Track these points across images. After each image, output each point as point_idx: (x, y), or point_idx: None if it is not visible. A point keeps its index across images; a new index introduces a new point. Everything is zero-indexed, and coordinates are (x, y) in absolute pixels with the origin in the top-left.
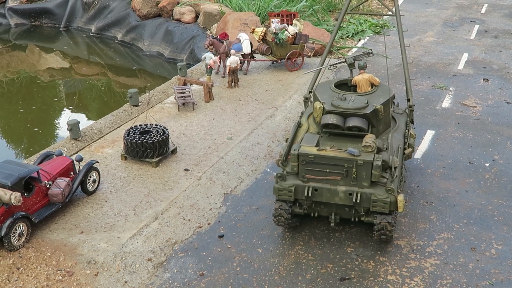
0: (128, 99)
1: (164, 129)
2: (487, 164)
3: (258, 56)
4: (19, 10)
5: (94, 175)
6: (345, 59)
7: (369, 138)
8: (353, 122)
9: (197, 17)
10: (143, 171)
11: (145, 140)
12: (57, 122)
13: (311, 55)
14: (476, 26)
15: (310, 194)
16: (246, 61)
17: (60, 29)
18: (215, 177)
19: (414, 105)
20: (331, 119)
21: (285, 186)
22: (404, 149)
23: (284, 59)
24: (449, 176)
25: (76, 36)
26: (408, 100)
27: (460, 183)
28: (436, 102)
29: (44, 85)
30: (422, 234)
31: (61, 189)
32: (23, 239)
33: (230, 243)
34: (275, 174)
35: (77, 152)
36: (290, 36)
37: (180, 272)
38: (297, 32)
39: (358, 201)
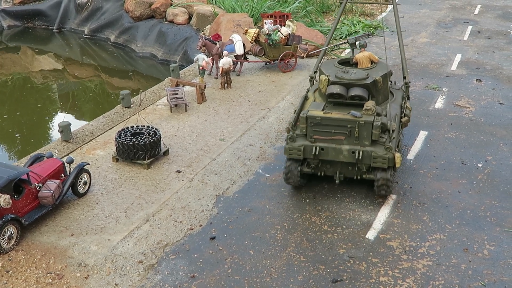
0: (120, 100)
1: (156, 131)
2: (480, 165)
3: (251, 57)
4: (12, 12)
5: (85, 177)
6: (347, 40)
7: (370, 103)
8: (355, 91)
9: (190, 18)
10: (134, 173)
11: (136, 142)
12: (49, 124)
13: (304, 56)
14: (469, 27)
15: (317, 153)
16: (239, 62)
17: (53, 31)
18: (207, 178)
19: (409, 82)
20: (336, 89)
21: (295, 146)
22: (401, 117)
23: (277, 60)
24: (441, 177)
25: (69, 38)
26: (404, 78)
27: (452, 184)
28: (429, 103)
29: (37, 87)
30: (414, 235)
31: (52, 191)
32: (12, 241)
33: (222, 245)
34: (287, 137)
35: (68, 154)
36: (283, 37)
37: (171, 274)
38: (290, 33)
39: (360, 158)
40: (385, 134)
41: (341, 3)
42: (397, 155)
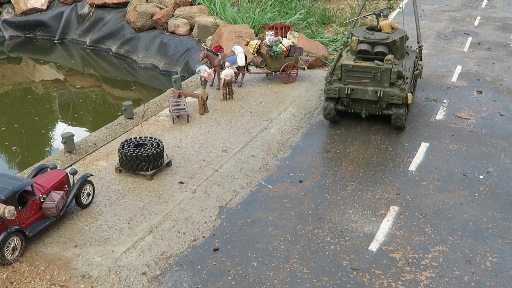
0: (123, 111)
1: (159, 142)
2: (482, 177)
3: (252, 69)
4: (14, 23)
5: (88, 188)
6: (373, 11)
7: (389, 56)
8: (378, 48)
9: (191, 29)
10: (137, 184)
11: (139, 153)
12: (51, 134)
13: (306, 68)
14: (469, 39)
15: (348, 92)
16: (240, 74)
17: (55, 41)
18: (210, 190)
19: (422, 46)
20: (364, 46)
21: (332, 87)
22: (414, 71)
23: (279, 71)
24: (443, 189)
25: (70, 49)
26: (418, 42)
27: (454, 196)
28: (430, 114)
29: (38, 97)
30: (417, 247)
31: (55, 203)
32: (16, 253)
33: (225, 257)
34: (326, 81)
35: (71, 165)
36: (285, 49)
37: (175, 286)
38: (292, 44)
39: (381, 96)
40: (400, 80)
41: None
42: (409, 95)
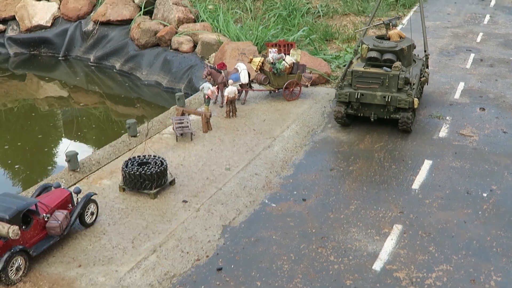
0: (127, 129)
1: (162, 160)
2: (485, 194)
3: (255, 86)
4: (19, 40)
5: (92, 207)
6: (383, 21)
7: (397, 63)
8: (387, 56)
9: (195, 46)
10: (141, 202)
11: (143, 172)
12: (55, 151)
13: (309, 85)
14: (472, 55)
15: (358, 97)
16: (244, 91)
17: (59, 58)
18: (214, 208)
19: (429, 54)
20: (373, 53)
21: (343, 92)
22: (420, 77)
23: (282, 88)
24: (447, 207)
25: (74, 66)
26: (425, 51)
27: (458, 214)
28: (433, 132)
29: (42, 114)
30: (421, 266)
31: (59, 222)
32: (20, 273)
33: (229, 276)
34: (337, 86)
35: (75, 184)
36: (288, 66)
37: None
38: (295, 62)
39: (389, 100)
40: (407, 85)
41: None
42: (415, 100)
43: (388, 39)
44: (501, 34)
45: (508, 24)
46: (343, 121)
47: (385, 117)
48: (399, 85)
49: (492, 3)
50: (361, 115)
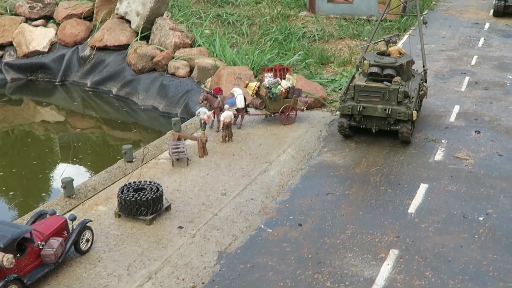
0: (123, 154)
1: (158, 186)
2: (481, 218)
3: (251, 110)
4: (16, 65)
5: (87, 234)
6: (384, 38)
7: (397, 78)
8: (387, 71)
9: (191, 71)
10: (136, 229)
11: (139, 198)
12: (51, 177)
13: (304, 109)
14: (467, 78)
15: (360, 110)
16: (240, 116)
17: (56, 83)
18: (209, 234)
19: (427, 69)
20: (374, 69)
21: (346, 105)
22: (419, 91)
23: (278, 113)
24: (443, 231)
25: (71, 91)
26: (423, 66)
27: (454, 238)
28: (429, 155)
29: (39, 140)
30: None
31: (54, 250)
32: None
33: None
34: (340, 99)
35: (71, 210)
36: (283, 90)
37: None
38: (290, 86)
39: (389, 113)
40: (406, 99)
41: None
42: (414, 112)
43: (388, 55)
44: (495, 57)
45: (502, 47)
46: (346, 132)
47: (385, 128)
48: (399, 98)
49: (486, 26)
50: (363, 127)
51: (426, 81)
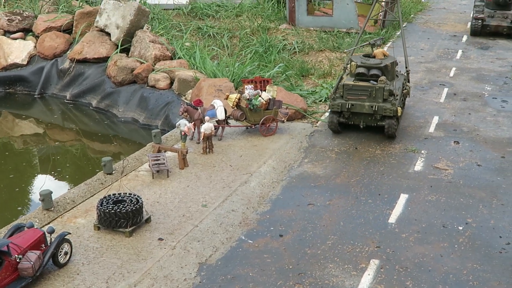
0: (102, 167)
1: (138, 198)
2: (461, 228)
3: (232, 122)
4: None
5: (66, 247)
6: (369, 42)
7: (382, 78)
8: (373, 71)
9: (172, 83)
10: (116, 241)
11: (118, 210)
12: (30, 190)
13: (285, 120)
14: (445, 89)
15: (349, 107)
16: (220, 127)
17: (35, 96)
18: (190, 246)
19: (410, 70)
20: (361, 69)
21: (335, 103)
22: (403, 90)
23: (258, 124)
24: (423, 241)
25: (51, 103)
26: (406, 67)
27: (434, 248)
28: (409, 166)
29: (17, 152)
30: None
31: (32, 263)
32: None
33: None
34: (330, 98)
35: (49, 223)
36: (264, 102)
37: None
38: (271, 98)
39: (376, 110)
40: (391, 96)
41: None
42: (399, 108)
43: (374, 57)
44: (473, 69)
45: (480, 59)
46: (336, 128)
47: (372, 124)
48: (384, 96)
49: (464, 38)
50: (352, 123)
51: (409, 81)
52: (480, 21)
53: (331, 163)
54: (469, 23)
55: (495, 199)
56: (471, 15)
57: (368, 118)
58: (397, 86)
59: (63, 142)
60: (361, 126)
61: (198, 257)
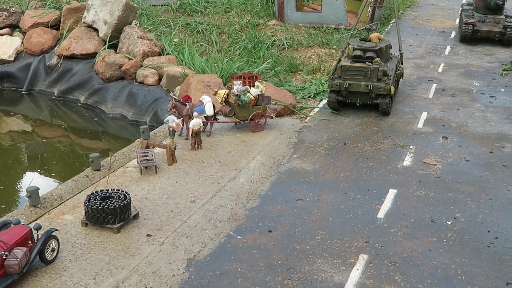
0: (90, 163)
1: (126, 194)
2: (449, 222)
3: (221, 118)
4: None
5: (53, 244)
6: (365, 26)
7: (377, 59)
8: (369, 54)
9: (160, 79)
10: (104, 237)
11: (106, 206)
12: (17, 187)
13: (274, 116)
14: (434, 85)
15: (346, 86)
16: (209, 123)
17: (22, 92)
18: (178, 242)
19: (403, 53)
20: (358, 52)
21: (334, 82)
22: (396, 71)
23: (247, 120)
24: (412, 235)
25: (38, 100)
26: (400, 50)
27: (423, 242)
28: (397, 161)
29: (4, 149)
30: None
31: (18, 260)
32: None
33: None
34: (329, 78)
35: (36, 220)
36: (253, 98)
37: None
38: (260, 93)
39: (371, 88)
40: (385, 76)
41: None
42: (392, 87)
43: (369, 40)
44: (461, 65)
45: (468, 55)
46: (335, 106)
47: (368, 102)
48: (379, 76)
49: (453, 35)
50: (349, 101)
51: (402, 63)
52: (470, 26)
53: (320, 159)
54: (457, 19)
55: (483, 194)
56: (459, 12)
57: (364, 97)
58: (390, 67)
59: (51, 139)
60: (358, 104)
61: (187, 253)
